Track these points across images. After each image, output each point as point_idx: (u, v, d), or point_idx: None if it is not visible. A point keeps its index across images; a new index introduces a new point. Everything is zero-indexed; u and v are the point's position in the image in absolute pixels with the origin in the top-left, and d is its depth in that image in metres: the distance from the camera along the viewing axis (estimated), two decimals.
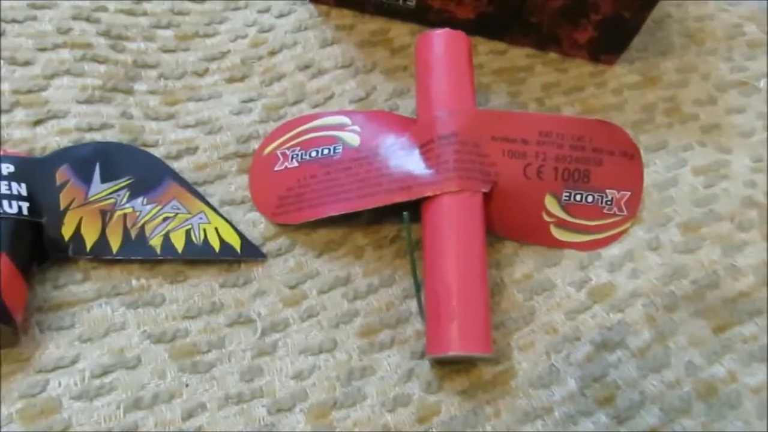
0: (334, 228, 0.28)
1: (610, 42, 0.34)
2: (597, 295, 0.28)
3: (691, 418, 0.25)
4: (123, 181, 0.26)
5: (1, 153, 0.24)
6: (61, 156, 0.26)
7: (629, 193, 0.29)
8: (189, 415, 0.22)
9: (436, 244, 0.26)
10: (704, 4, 0.38)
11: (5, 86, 0.28)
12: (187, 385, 0.23)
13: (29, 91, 0.28)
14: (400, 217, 0.28)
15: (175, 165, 0.29)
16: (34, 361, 0.22)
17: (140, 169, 0.27)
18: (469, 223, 0.26)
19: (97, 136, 0.28)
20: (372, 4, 0.34)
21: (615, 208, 0.29)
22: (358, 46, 0.34)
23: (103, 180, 0.26)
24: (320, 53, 0.33)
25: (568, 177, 0.28)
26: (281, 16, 0.34)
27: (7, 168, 0.24)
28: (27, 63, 0.28)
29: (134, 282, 0.25)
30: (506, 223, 0.28)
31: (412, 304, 0.27)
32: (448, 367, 0.26)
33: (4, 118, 0.27)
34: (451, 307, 0.24)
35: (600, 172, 0.29)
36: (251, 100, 0.32)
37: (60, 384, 0.22)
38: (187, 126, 0.30)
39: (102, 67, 0.30)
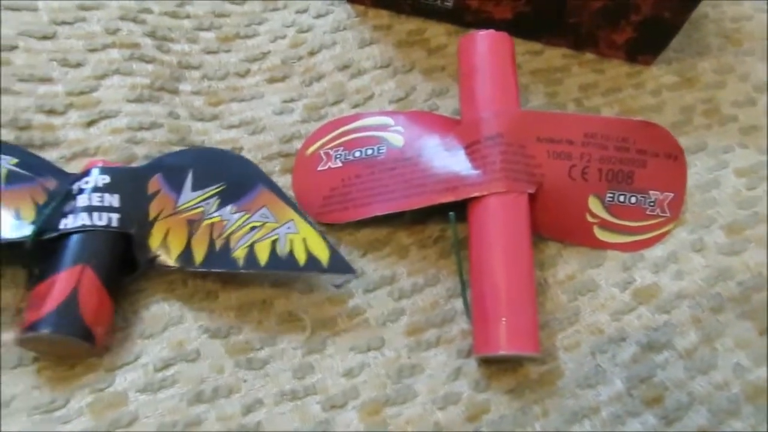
0: (378, 228, 0.29)
1: (649, 43, 0.35)
2: (642, 296, 0.28)
3: (739, 419, 0.25)
4: (214, 189, 0.26)
5: (100, 164, 0.25)
6: (156, 165, 0.26)
7: (672, 194, 0.29)
8: (248, 410, 0.23)
9: (484, 245, 0.26)
10: (741, 4, 0.38)
11: (59, 88, 0.28)
12: (245, 381, 0.23)
13: (82, 93, 0.28)
14: (443, 217, 0.29)
15: None
16: (102, 360, 0.23)
17: (233, 175, 0.26)
18: (516, 223, 0.26)
19: (148, 135, 0.28)
20: (408, 4, 0.35)
21: (658, 210, 0.29)
22: (396, 46, 0.34)
23: (194, 188, 0.25)
24: (359, 53, 0.34)
25: (612, 178, 0.29)
26: (319, 16, 0.35)
27: (104, 179, 0.24)
28: (78, 64, 0.29)
29: (190, 279, 0.25)
30: (550, 223, 0.28)
31: (457, 304, 0.27)
32: (495, 366, 0.26)
33: (59, 120, 0.27)
34: (500, 307, 0.24)
35: (644, 173, 0.29)
36: (292, 100, 0.32)
37: (126, 378, 0.22)
38: (231, 126, 0.30)
39: (149, 67, 0.30)
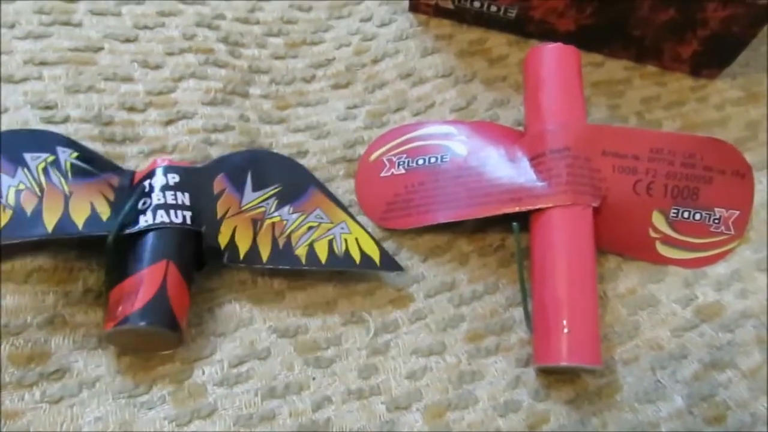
0: (439, 234, 0.29)
1: (715, 57, 0.34)
2: (704, 314, 0.28)
3: None
4: (271, 190, 0.27)
5: (166, 163, 0.25)
6: (218, 165, 0.27)
7: (738, 212, 0.29)
8: (318, 406, 0.24)
9: (547, 256, 0.26)
10: None
11: (140, 87, 0.30)
12: (313, 378, 0.24)
13: (160, 93, 0.30)
14: (503, 226, 0.29)
15: None
16: (178, 353, 0.24)
17: (286, 177, 0.27)
18: (580, 236, 0.26)
19: (221, 137, 0.29)
20: (471, 14, 0.35)
21: (722, 227, 0.29)
22: (458, 56, 0.35)
23: (254, 189, 0.26)
24: (421, 62, 0.34)
25: (677, 194, 0.28)
26: (383, 25, 0.35)
27: (173, 178, 0.25)
28: (158, 66, 0.30)
29: (259, 279, 0.26)
30: (612, 237, 0.28)
31: (516, 313, 0.28)
32: (553, 376, 0.26)
33: (140, 116, 0.29)
34: (562, 318, 0.25)
35: (709, 190, 0.29)
36: (355, 106, 0.33)
37: (204, 372, 0.24)
38: (297, 130, 0.31)
39: (222, 71, 0.31)
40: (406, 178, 0.30)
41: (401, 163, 0.30)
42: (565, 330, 0.25)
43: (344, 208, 0.27)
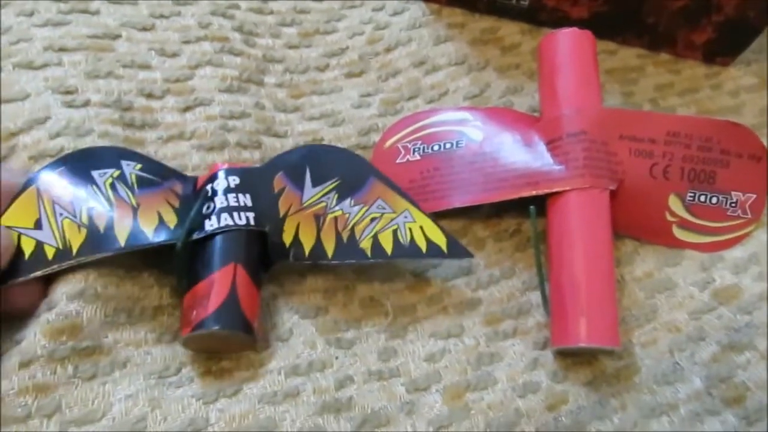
0: (455, 220, 0.29)
1: (729, 43, 0.34)
2: (722, 297, 0.28)
3: None
4: (331, 184, 0.26)
5: (227, 166, 0.25)
6: (276, 163, 0.27)
7: (755, 195, 0.29)
8: (340, 385, 0.24)
9: (564, 239, 0.26)
10: None
11: (157, 75, 0.30)
12: (336, 358, 0.24)
13: (177, 80, 0.30)
14: (519, 211, 0.29)
15: None
16: None
17: (345, 170, 0.27)
18: (597, 219, 0.26)
19: (238, 124, 0.29)
20: (483, 3, 0.35)
21: (739, 211, 0.29)
22: (470, 44, 0.35)
23: (314, 184, 0.26)
24: (434, 50, 0.34)
25: (694, 178, 0.28)
26: (395, 14, 0.35)
27: (234, 180, 0.25)
28: (174, 54, 0.31)
29: (279, 265, 0.26)
30: (628, 221, 0.28)
31: (533, 297, 0.28)
32: (570, 359, 0.26)
33: (158, 103, 0.29)
34: (580, 300, 0.25)
35: (726, 173, 0.29)
36: (369, 94, 0.33)
37: (231, 358, 0.24)
38: (312, 118, 0.32)
39: (238, 59, 0.31)
40: (422, 165, 0.30)
41: (416, 149, 0.31)
42: (583, 312, 0.25)
43: (407, 197, 0.27)
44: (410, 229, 0.26)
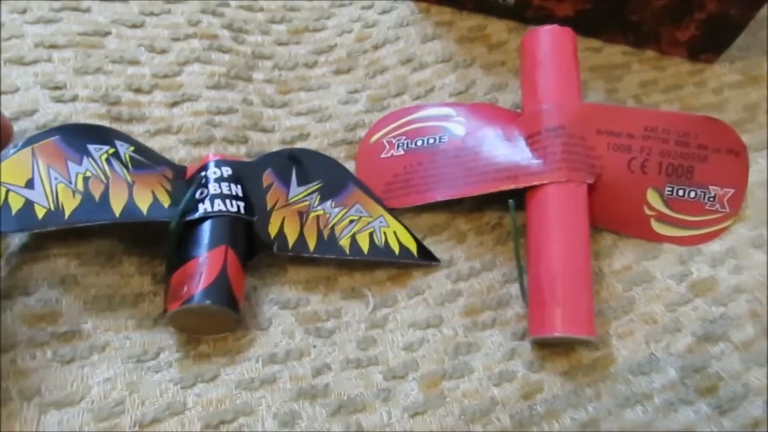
0: (438, 213, 0.30)
1: (712, 41, 0.35)
2: (698, 289, 0.28)
3: None
4: (314, 185, 0.28)
5: (219, 157, 0.27)
6: (266, 161, 0.28)
7: (733, 190, 0.29)
8: (317, 372, 0.24)
9: (542, 232, 0.27)
10: None
11: (146, 70, 0.30)
12: (314, 347, 0.25)
13: (166, 76, 0.31)
14: (500, 205, 0.29)
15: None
16: None
17: (327, 175, 0.29)
18: (575, 212, 0.27)
19: (225, 119, 0.30)
20: (471, 1, 0.36)
21: (717, 205, 0.29)
22: (457, 42, 0.35)
23: (299, 183, 0.28)
24: (421, 48, 0.35)
25: (672, 172, 0.29)
26: (384, 12, 0.36)
27: (227, 171, 0.26)
28: (163, 51, 0.31)
29: (264, 257, 0.27)
30: (607, 215, 0.29)
31: (512, 288, 0.28)
32: (548, 349, 0.27)
33: (146, 98, 0.30)
34: (557, 291, 0.25)
35: (704, 168, 0.29)
36: (357, 91, 0.33)
37: (208, 344, 0.24)
38: (299, 114, 0.32)
39: (226, 56, 0.32)
40: (406, 159, 0.31)
41: (400, 144, 0.31)
42: (560, 302, 0.25)
43: (381, 204, 0.29)
44: (385, 233, 0.28)
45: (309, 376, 0.24)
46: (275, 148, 0.30)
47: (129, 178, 0.25)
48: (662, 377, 0.26)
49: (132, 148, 0.26)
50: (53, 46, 0.30)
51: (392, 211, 0.29)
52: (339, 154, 0.31)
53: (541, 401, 0.25)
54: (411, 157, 0.31)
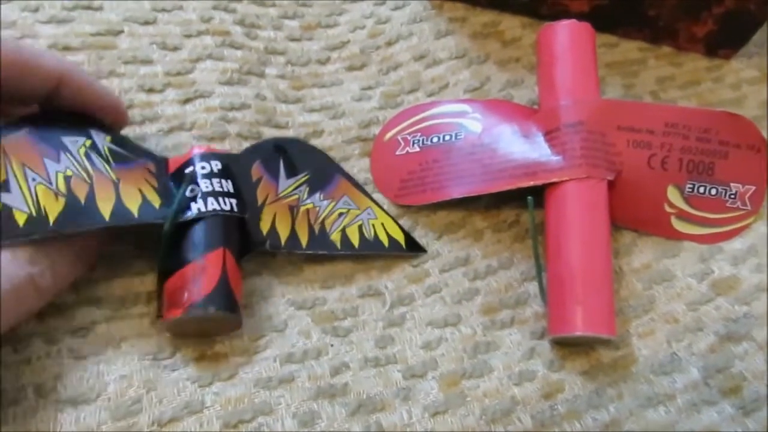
0: (454, 211, 0.30)
1: (730, 36, 0.34)
2: (720, 288, 0.28)
3: None
4: (302, 177, 0.27)
5: (204, 149, 0.25)
6: (253, 152, 0.27)
7: (754, 187, 0.29)
8: (336, 371, 0.24)
9: (562, 229, 0.26)
10: None
11: (158, 69, 0.30)
12: (331, 345, 0.25)
13: (178, 73, 0.30)
14: (518, 202, 0.29)
15: None
16: None
17: (313, 165, 0.28)
18: (595, 209, 0.26)
19: (238, 115, 0.30)
20: None
21: (739, 202, 0.29)
22: (471, 38, 0.35)
23: (288, 176, 0.27)
24: (435, 44, 0.35)
25: (693, 169, 0.28)
26: (396, 8, 0.36)
27: (217, 165, 0.25)
28: (176, 48, 0.31)
29: (278, 255, 0.27)
30: (627, 212, 0.28)
31: (530, 287, 0.28)
32: (567, 349, 0.26)
33: (158, 97, 0.29)
34: (577, 290, 0.25)
35: (725, 164, 0.29)
36: (370, 87, 0.33)
37: (224, 344, 0.24)
38: (312, 110, 0.32)
39: (239, 53, 0.32)
40: (421, 156, 0.30)
41: (416, 141, 0.31)
42: (581, 300, 0.25)
43: (369, 195, 0.29)
44: (373, 226, 0.28)
45: (327, 375, 0.24)
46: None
47: (113, 176, 0.23)
48: (684, 377, 0.26)
49: (109, 138, 0.24)
50: (66, 48, 0.29)
51: (406, 207, 0.28)
52: (353, 151, 0.31)
53: (562, 401, 0.25)
54: (426, 154, 0.30)
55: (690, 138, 0.28)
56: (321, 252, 0.26)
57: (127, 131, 0.28)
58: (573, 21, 0.30)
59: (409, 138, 0.31)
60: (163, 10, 0.32)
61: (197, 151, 0.25)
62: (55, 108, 0.24)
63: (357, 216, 0.27)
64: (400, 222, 0.29)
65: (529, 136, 0.29)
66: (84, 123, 0.24)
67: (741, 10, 0.32)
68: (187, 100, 0.30)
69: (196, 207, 0.24)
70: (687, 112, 0.29)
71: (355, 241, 0.27)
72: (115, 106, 0.25)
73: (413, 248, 0.28)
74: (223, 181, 0.25)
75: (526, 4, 0.35)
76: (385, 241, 0.27)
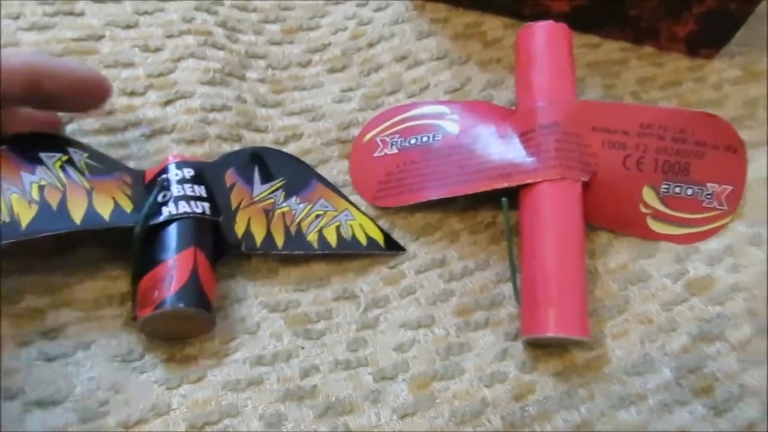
0: (431, 212, 0.30)
1: (712, 36, 0.34)
2: (694, 288, 0.28)
3: None
4: (278, 183, 0.28)
5: (179, 159, 0.26)
6: (227, 160, 0.28)
7: (731, 187, 0.29)
8: (305, 374, 0.24)
9: (536, 230, 0.26)
10: None
11: (140, 71, 0.30)
12: (302, 348, 0.25)
13: (160, 74, 0.30)
14: (494, 203, 0.29)
15: (283, 150, 0.30)
16: None
17: (290, 172, 0.29)
18: (569, 210, 0.27)
19: (219, 117, 0.30)
20: None
21: (715, 202, 0.29)
22: (453, 39, 0.35)
23: (262, 182, 0.28)
24: (416, 45, 0.35)
25: (668, 169, 0.28)
26: (379, 9, 0.36)
27: (189, 172, 0.26)
28: (157, 49, 0.31)
29: (253, 258, 0.27)
30: (603, 213, 0.28)
31: (506, 288, 0.28)
32: (541, 349, 0.26)
33: (140, 100, 0.30)
34: (550, 291, 0.25)
35: (701, 165, 0.29)
36: (351, 89, 0.33)
37: (195, 347, 0.24)
38: (292, 113, 0.32)
39: (221, 53, 0.32)
40: (399, 158, 0.30)
41: (394, 143, 0.31)
42: (553, 302, 0.25)
43: (346, 198, 0.29)
44: (351, 226, 0.28)
45: (297, 377, 0.24)
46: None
47: (87, 185, 0.24)
48: (657, 378, 0.26)
49: (86, 155, 0.26)
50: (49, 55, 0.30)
51: (384, 209, 0.28)
52: (332, 153, 0.31)
53: (533, 402, 0.25)
54: (404, 156, 0.30)
55: (665, 138, 0.28)
56: (297, 252, 0.27)
57: (109, 137, 0.29)
58: (550, 22, 0.30)
59: (387, 140, 0.31)
60: (145, 12, 0.32)
61: (171, 159, 0.26)
62: (37, 132, 0.25)
63: (334, 217, 0.28)
64: (378, 223, 0.29)
65: (505, 137, 0.29)
66: (62, 143, 0.25)
67: (721, 10, 0.32)
68: (168, 102, 0.30)
69: (167, 210, 0.24)
70: (663, 113, 0.29)
71: (333, 241, 0.27)
72: (95, 79, 0.25)
73: (392, 247, 0.28)
74: (195, 186, 0.25)
75: (508, 5, 0.35)
76: (364, 241, 0.28)
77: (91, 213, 0.23)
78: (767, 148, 0.32)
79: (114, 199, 0.24)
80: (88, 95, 0.26)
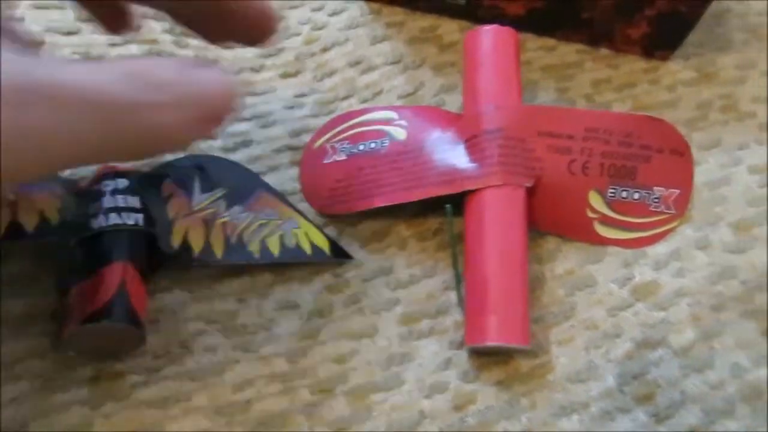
0: (379, 220, 0.29)
1: (665, 37, 0.34)
2: (640, 293, 0.28)
3: (734, 420, 0.24)
4: (220, 192, 0.27)
5: (112, 169, 0.26)
6: (164, 170, 0.27)
7: (678, 190, 0.29)
8: (238, 389, 0.24)
9: (478, 237, 0.26)
10: None
11: None
12: (237, 362, 0.24)
13: None
14: (443, 210, 0.29)
15: (231, 157, 0.30)
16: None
17: (233, 180, 0.28)
18: (511, 216, 0.26)
19: None
20: (422, 1, 0.35)
21: (663, 206, 0.29)
22: (408, 43, 0.35)
23: (203, 191, 0.27)
24: (370, 50, 0.34)
25: (614, 173, 0.28)
26: (334, 14, 0.35)
27: (122, 183, 0.25)
28: (99, 57, 0.31)
29: (193, 270, 0.26)
30: (550, 218, 0.28)
31: (452, 296, 0.28)
32: (485, 358, 0.26)
33: None
34: (490, 299, 0.25)
35: (648, 168, 0.28)
36: (303, 95, 0.33)
37: (125, 364, 0.24)
38: (242, 119, 0.32)
39: None
40: (347, 164, 0.30)
41: (342, 149, 0.30)
42: (493, 310, 0.24)
43: (291, 206, 0.28)
44: (296, 234, 0.27)
45: (228, 392, 0.24)
46: (216, 155, 0.30)
47: (11, 196, 0.24)
48: (600, 385, 0.25)
49: None
50: None
51: (332, 216, 0.28)
52: (283, 160, 0.31)
53: (473, 413, 0.24)
54: (353, 162, 0.30)
55: (611, 143, 0.28)
56: (237, 262, 0.26)
57: None
58: (496, 26, 0.30)
59: (336, 146, 0.31)
60: (88, 20, 0.32)
61: (103, 170, 0.26)
62: None
63: (278, 226, 0.27)
64: (326, 231, 0.29)
65: (450, 143, 0.29)
66: None
67: (672, 12, 0.32)
68: None
69: (96, 223, 0.24)
70: (608, 117, 0.29)
71: (275, 250, 0.27)
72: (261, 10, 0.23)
73: (339, 255, 0.28)
74: (128, 197, 0.25)
75: (462, 8, 0.35)
76: (308, 249, 0.27)
77: (13, 227, 0.23)
78: (718, 151, 0.32)
79: (40, 211, 0.24)
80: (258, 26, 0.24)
